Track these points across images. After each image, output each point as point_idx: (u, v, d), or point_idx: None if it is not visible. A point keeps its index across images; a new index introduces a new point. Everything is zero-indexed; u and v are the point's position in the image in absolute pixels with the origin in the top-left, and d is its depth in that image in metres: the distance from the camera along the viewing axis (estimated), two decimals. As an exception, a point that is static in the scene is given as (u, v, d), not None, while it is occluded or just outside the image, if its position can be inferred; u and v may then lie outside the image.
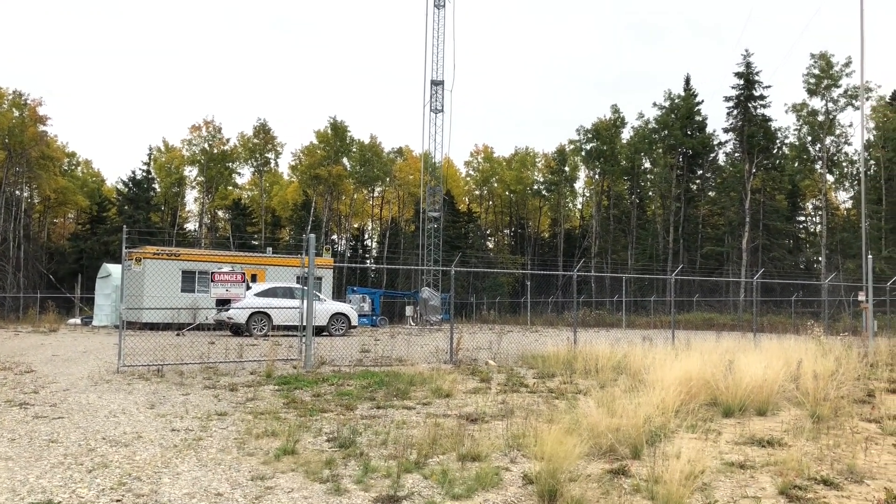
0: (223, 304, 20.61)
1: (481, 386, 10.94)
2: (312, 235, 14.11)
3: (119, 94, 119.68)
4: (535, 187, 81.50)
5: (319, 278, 29.23)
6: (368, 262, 79.52)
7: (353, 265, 64.80)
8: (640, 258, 65.17)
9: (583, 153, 73.92)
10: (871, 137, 62.19)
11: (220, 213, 79.51)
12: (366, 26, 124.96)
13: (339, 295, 50.59)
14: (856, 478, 5.68)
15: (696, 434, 7.17)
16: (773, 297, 45.13)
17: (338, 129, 72.56)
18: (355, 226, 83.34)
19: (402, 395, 9.73)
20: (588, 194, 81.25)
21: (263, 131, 74.48)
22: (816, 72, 57.64)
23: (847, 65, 56.49)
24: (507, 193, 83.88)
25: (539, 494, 4.95)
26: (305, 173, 72.50)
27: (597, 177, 75.57)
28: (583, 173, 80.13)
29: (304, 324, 13.66)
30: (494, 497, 5.01)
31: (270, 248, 42.03)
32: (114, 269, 30.96)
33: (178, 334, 21.47)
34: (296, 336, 16.74)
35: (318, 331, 23.27)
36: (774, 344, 14.74)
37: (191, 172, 74.81)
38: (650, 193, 73.14)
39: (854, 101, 56.75)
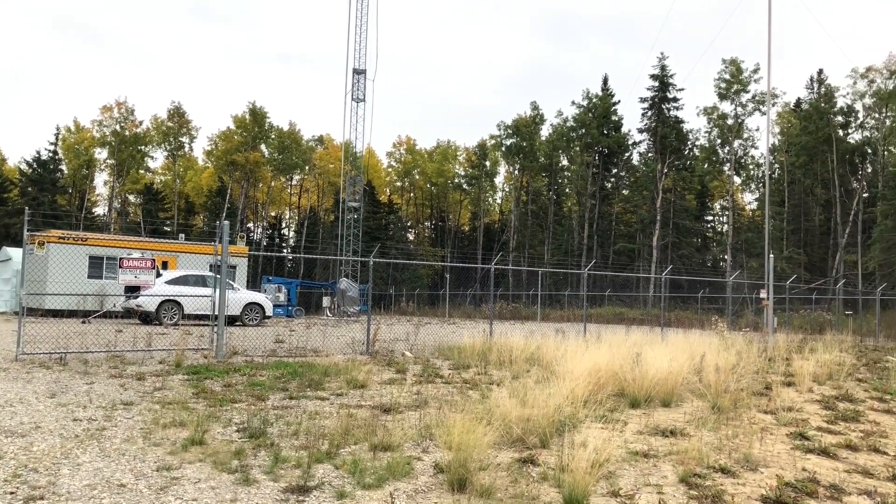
0: (132, 291, 19.96)
1: (397, 377, 10.95)
2: (227, 223, 13.82)
3: (25, 70, 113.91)
4: (457, 181, 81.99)
5: (233, 267, 28.63)
6: (285, 251, 78.37)
7: (270, 254, 63.71)
8: (556, 253, 66.43)
9: (503, 149, 74.79)
10: (776, 142, 65.20)
11: (131, 197, 76.90)
12: (288, 11, 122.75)
13: (254, 284, 49.67)
14: (751, 466, 5.95)
15: (604, 424, 7.37)
16: (681, 293, 46.75)
17: (256, 115, 71.13)
18: (272, 214, 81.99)
19: (315, 385, 9.64)
20: (507, 189, 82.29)
21: (178, 114, 72.35)
22: (727, 77, 59.90)
23: (756, 71, 58.94)
24: (428, 186, 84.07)
25: (449, 483, 5.01)
26: (221, 159, 70.81)
27: (516, 172, 76.59)
28: (503, 168, 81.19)
29: (217, 313, 13.37)
30: (405, 486, 5.04)
31: (183, 235, 40.81)
32: (14, 253, 29.53)
33: (83, 322, 20.66)
34: (208, 325, 16.36)
35: (232, 320, 22.89)
36: (680, 338, 15.26)
37: (101, 154, 72.04)
38: (567, 190, 74.61)
39: (761, 107, 59.30)
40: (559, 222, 70.78)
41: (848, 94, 60.84)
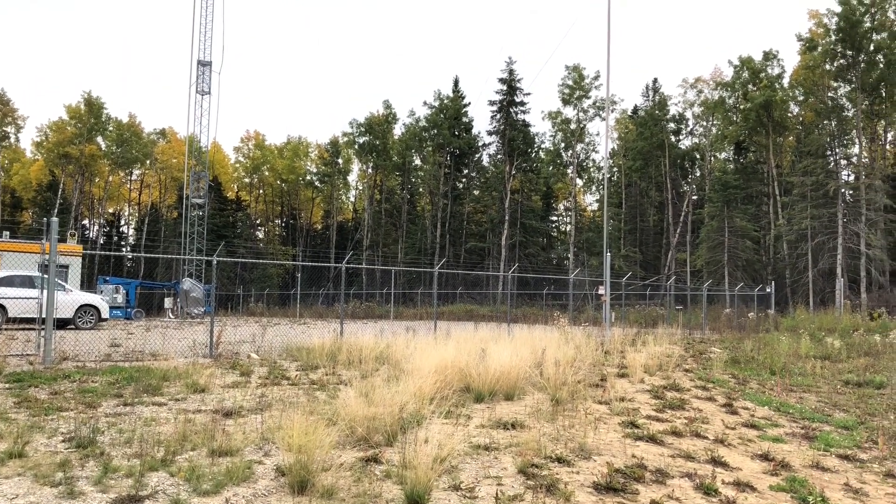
0: (-54, 294, 18.23)
1: (241, 380, 10.63)
2: (55, 219, 12.88)
3: None
4: (308, 178, 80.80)
5: (65, 267, 26.82)
6: (124, 250, 74.22)
7: (107, 253, 60.08)
8: (409, 252, 67.00)
9: (356, 146, 74.47)
10: (615, 147, 69.02)
11: (-55, 191, 70.27)
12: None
13: (89, 285, 46.74)
14: (585, 454, 6.24)
15: (448, 419, 7.48)
16: (528, 290, 48.41)
17: (92, 106, 66.96)
18: (110, 211, 77.51)
19: (153, 390, 9.19)
20: (361, 188, 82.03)
21: (1, 102, 66.77)
22: (570, 83, 62.68)
23: (596, 78, 62.14)
24: (278, 182, 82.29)
25: (290, 486, 4.92)
26: (53, 151, 66.15)
27: (370, 171, 76.49)
28: (356, 166, 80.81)
29: (44, 316, 12.45)
30: (244, 491, 4.89)
31: (7, 233, 37.66)
32: None
33: None
34: (35, 329, 15.19)
35: (64, 324, 21.47)
36: (526, 333, 15.80)
37: None
38: (420, 189, 75.39)
39: (601, 113, 62.54)
40: (413, 221, 71.40)
41: (679, 102, 65.49)
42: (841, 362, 15.86)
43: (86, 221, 74.07)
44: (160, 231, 67.37)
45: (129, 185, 78.97)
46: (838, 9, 48.79)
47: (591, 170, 71.79)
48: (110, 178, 72.93)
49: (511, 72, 63.46)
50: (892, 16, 49.18)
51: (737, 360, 15.89)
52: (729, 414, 9.07)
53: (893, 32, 48.69)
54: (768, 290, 39.07)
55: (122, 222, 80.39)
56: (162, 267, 61.82)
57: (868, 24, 48.76)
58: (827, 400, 10.76)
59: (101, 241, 71.67)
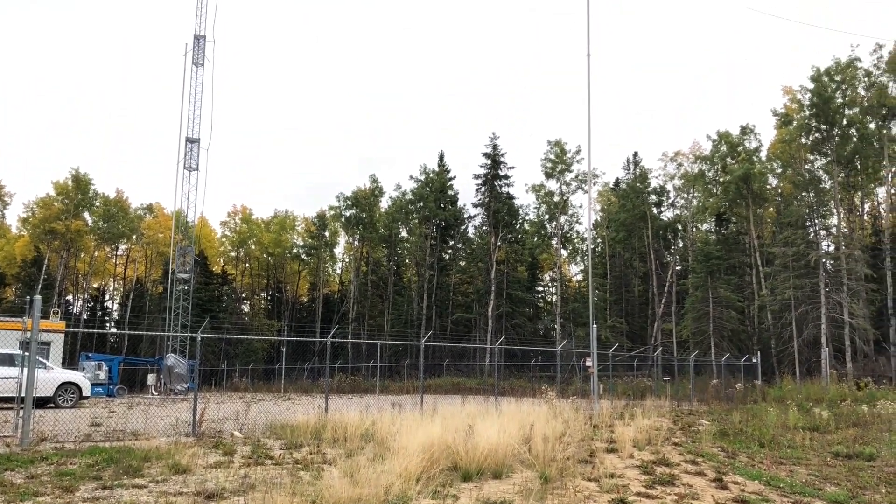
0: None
1: (224, 460, 10.43)
2: (38, 298, 12.81)
3: None
4: (295, 251, 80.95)
5: (47, 344, 26.50)
6: (108, 325, 73.46)
7: (90, 330, 59.42)
8: (396, 323, 66.69)
9: (342, 219, 74.97)
10: (598, 218, 69.81)
11: (-72, 267, 69.72)
12: (117, 77, 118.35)
13: (72, 362, 46.08)
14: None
15: (436, 500, 7.35)
16: (516, 361, 48.12)
17: (80, 182, 67.34)
18: (95, 285, 76.99)
19: (133, 472, 9.00)
20: (347, 260, 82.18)
21: (-11, 178, 67.09)
22: (552, 157, 63.85)
23: (578, 152, 63.38)
24: (264, 256, 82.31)
25: (273, 574, 4.80)
26: (39, 227, 66.04)
27: (356, 243, 76.80)
28: (342, 239, 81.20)
29: (23, 395, 12.24)
30: (226, 580, 4.77)
31: (-11, 309, 37.41)
32: None
33: None
34: (13, 409, 14.90)
35: (45, 402, 21.07)
36: (514, 407, 15.64)
37: None
38: (406, 261, 75.58)
39: (584, 185, 63.54)
40: (399, 293, 71.31)
41: (660, 175, 66.67)
42: (830, 433, 15.77)
43: (70, 296, 73.53)
44: (145, 306, 66.87)
45: (114, 260, 78.78)
46: (811, 85, 50.34)
47: (576, 241, 72.48)
48: (96, 254, 72.78)
49: (495, 146, 64.73)
50: (863, 92, 50.81)
51: (725, 432, 15.76)
52: (719, 489, 8.95)
53: (864, 108, 50.20)
54: (755, 360, 39.02)
55: (107, 297, 79.94)
56: (146, 342, 61.17)
57: (840, 100, 50.28)
58: (817, 473, 10.66)
59: (85, 317, 70.99)
